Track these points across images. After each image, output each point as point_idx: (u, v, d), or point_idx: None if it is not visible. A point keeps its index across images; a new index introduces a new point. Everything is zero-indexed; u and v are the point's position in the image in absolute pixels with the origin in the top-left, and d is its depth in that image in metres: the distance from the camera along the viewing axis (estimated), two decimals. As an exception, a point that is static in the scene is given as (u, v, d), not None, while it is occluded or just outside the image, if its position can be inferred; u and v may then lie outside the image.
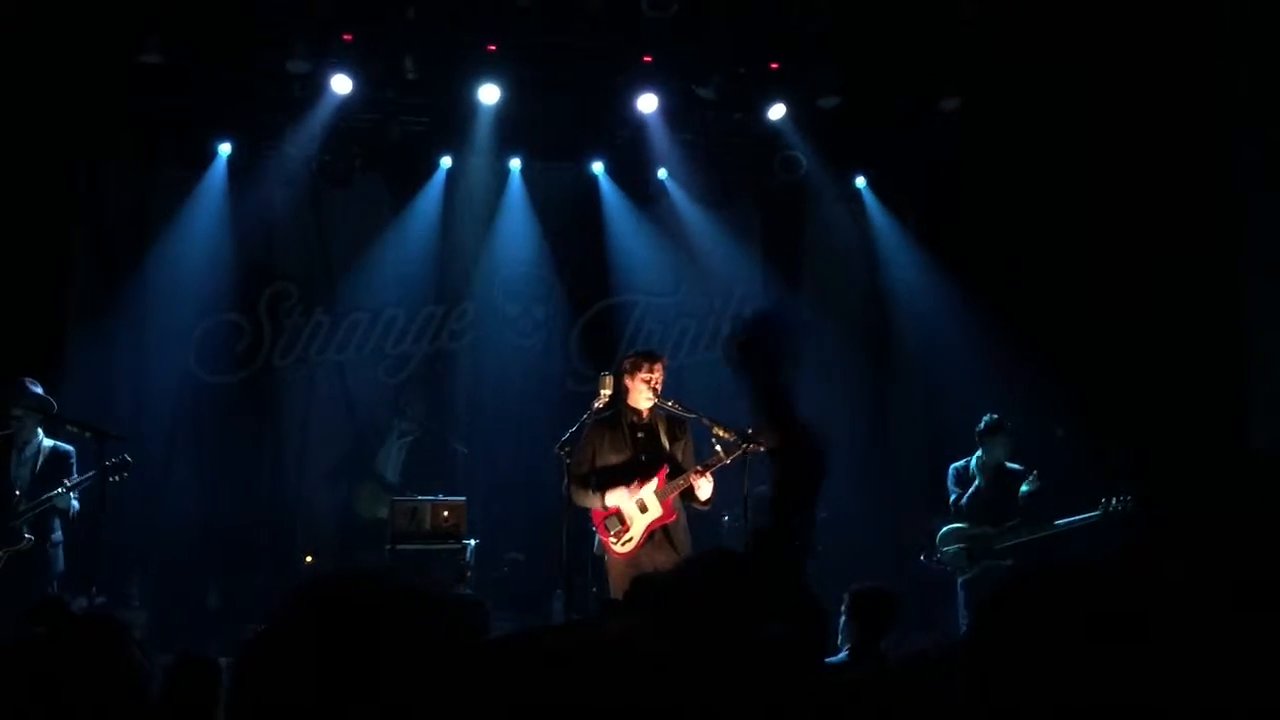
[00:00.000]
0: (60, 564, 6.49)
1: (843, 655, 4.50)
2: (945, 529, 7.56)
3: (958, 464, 7.67)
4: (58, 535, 6.54)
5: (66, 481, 6.49)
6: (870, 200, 9.88)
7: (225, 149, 8.89)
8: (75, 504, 6.55)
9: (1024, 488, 7.37)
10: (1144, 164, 8.13)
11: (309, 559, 8.70)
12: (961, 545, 7.46)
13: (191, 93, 8.38)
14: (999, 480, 7.43)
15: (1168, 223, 8.14)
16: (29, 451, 6.61)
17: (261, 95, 8.56)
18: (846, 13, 8.26)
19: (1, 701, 1.56)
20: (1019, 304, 8.71)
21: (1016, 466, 7.44)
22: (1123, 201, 8.30)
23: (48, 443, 6.65)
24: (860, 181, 9.87)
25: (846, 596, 4.64)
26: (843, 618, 4.61)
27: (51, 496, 6.38)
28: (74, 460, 6.62)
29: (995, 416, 7.56)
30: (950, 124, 8.93)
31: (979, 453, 7.51)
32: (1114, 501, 7.12)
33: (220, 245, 8.99)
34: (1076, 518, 7.29)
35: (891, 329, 9.95)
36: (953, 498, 7.57)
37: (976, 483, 7.46)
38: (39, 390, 6.66)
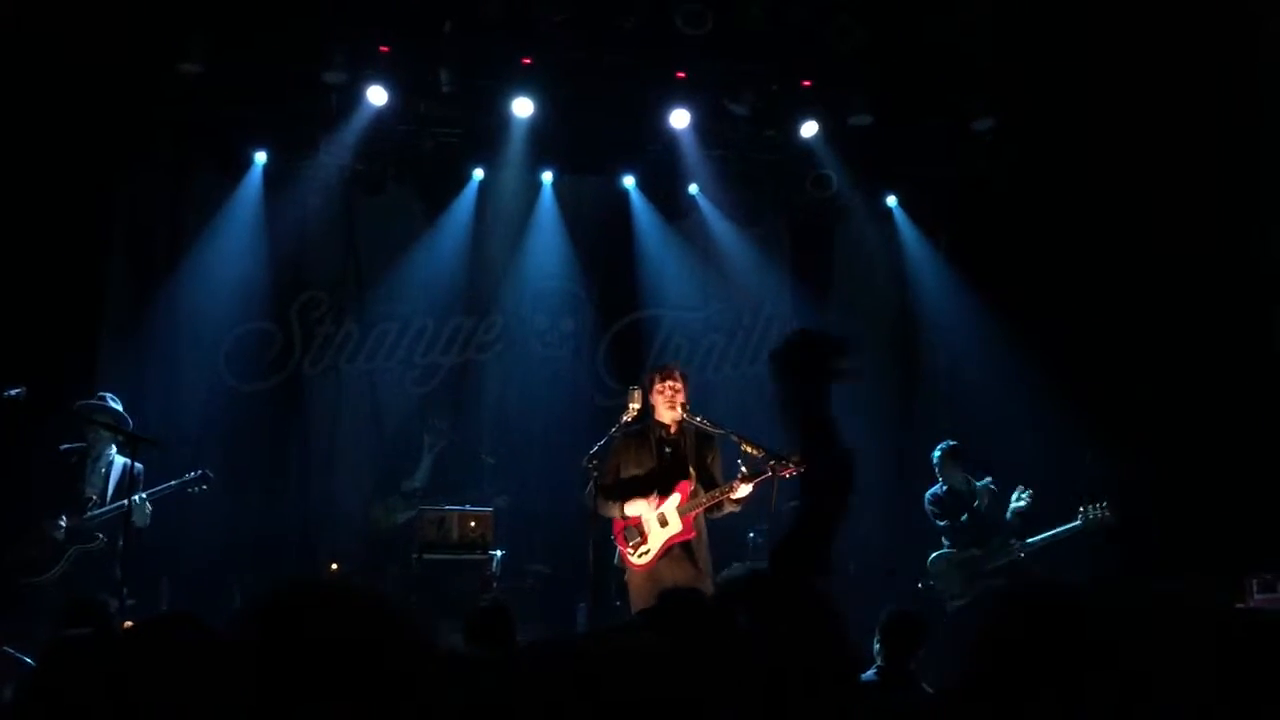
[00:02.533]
0: (118, 572, 6.59)
1: (871, 674, 4.53)
2: (934, 556, 7.60)
3: (936, 489, 7.65)
4: (119, 544, 6.66)
5: (143, 493, 6.73)
6: (901, 219, 9.85)
7: (261, 158, 8.94)
8: (148, 518, 6.86)
9: (1013, 505, 7.38)
10: (1178, 186, 8.09)
11: (334, 566, 8.72)
12: (951, 571, 7.46)
13: (229, 102, 8.45)
14: (987, 500, 7.48)
15: (1202, 245, 8.10)
16: (103, 464, 6.95)
17: (298, 105, 8.64)
18: (879, 32, 8.28)
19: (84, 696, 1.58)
20: (1049, 327, 8.65)
21: (992, 485, 7.52)
22: (1156, 224, 8.26)
23: (120, 459, 6.94)
24: (891, 200, 9.84)
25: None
26: (876, 640, 4.67)
27: (127, 505, 6.56)
28: (143, 478, 6.88)
29: (954, 442, 7.59)
30: (983, 144, 8.92)
31: (985, 479, 7.54)
32: (1092, 510, 7.14)
33: (254, 253, 9.04)
34: (1056, 530, 7.31)
35: (921, 350, 9.90)
36: (945, 524, 7.56)
37: (977, 504, 7.48)
38: (117, 407, 6.96)
